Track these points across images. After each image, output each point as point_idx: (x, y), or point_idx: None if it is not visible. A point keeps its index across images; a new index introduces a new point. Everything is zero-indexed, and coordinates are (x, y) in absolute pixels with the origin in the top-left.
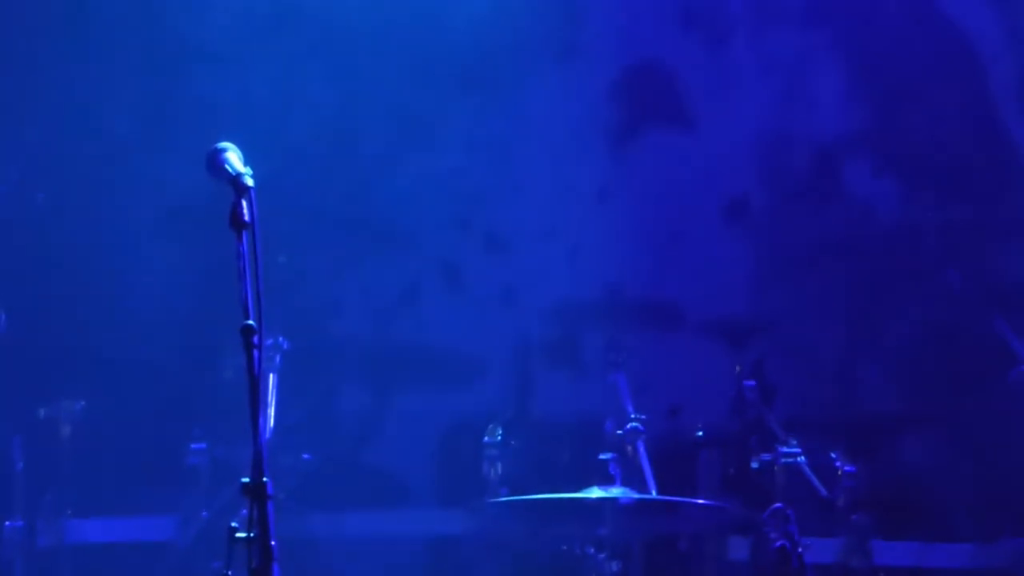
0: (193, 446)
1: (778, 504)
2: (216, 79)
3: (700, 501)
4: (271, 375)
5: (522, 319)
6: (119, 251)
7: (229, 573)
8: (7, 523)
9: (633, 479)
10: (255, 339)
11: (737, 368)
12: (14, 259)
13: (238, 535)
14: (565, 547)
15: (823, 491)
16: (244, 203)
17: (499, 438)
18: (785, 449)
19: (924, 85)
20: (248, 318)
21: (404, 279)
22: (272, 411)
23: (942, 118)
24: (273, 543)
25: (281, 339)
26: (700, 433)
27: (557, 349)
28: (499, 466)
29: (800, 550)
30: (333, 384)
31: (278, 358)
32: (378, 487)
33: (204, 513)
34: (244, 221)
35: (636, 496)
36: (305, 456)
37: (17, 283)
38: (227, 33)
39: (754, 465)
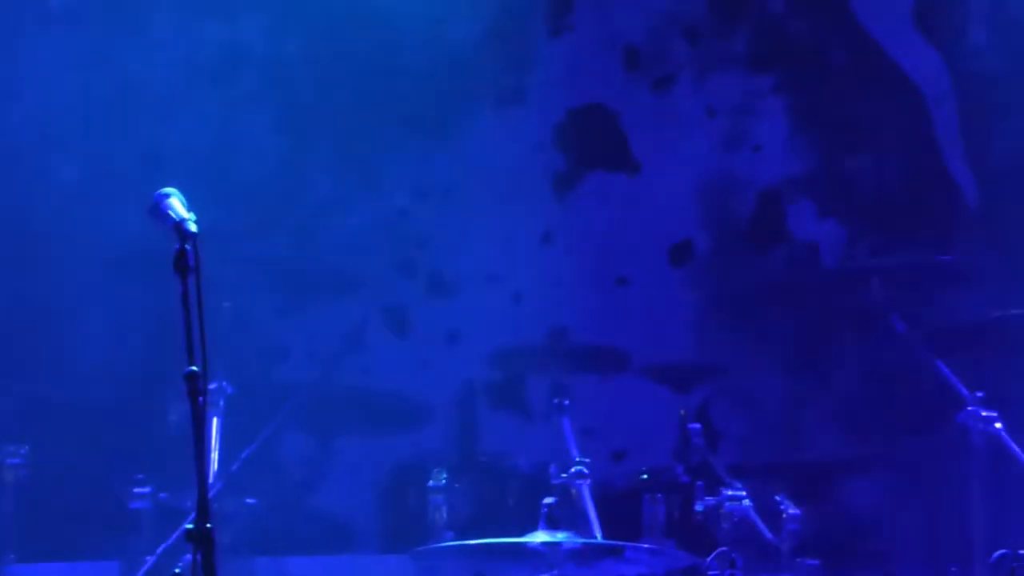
0: (136, 490)
1: (723, 548)
2: (160, 124)
3: (644, 545)
4: (215, 419)
5: (466, 363)
6: (64, 296)
7: None
8: None
9: (577, 523)
10: (199, 385)
11: (682, 412)
12: None
13: None
14: None
15: (768, 535)
16: (188, 248)
17: (444, 482)
18: (730, 493)
19: (868, 128)
20: (192, 364)
21: (348, 323)
22: (216, 455)
23: (886, 161)
24: None
25: (225, 383)
26: (644, 477)
27: (502, 393)
28: (444, 510)
29: None
30: (277, 429)
31: (222, 402)
32: (322, 532)
33: (148, 558)
34: (188, 266)
35: (580, 540)
36: (249, 501)
37: None
38: (171, 77)
39: (699, 508)
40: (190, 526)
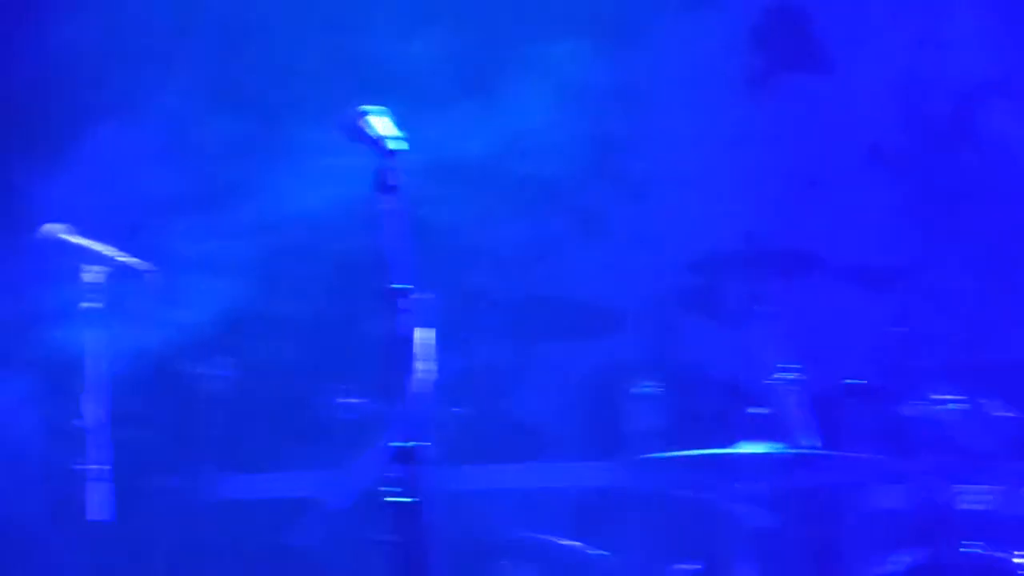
0: (343, 400)
1: (928, 454)
2: (346, 29)
3: (850, 452)
4: (423, 329)
5: (662, 268)
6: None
7: (382, 537)
8: (160, 479)
9: (782, 431)
10: (403, 300)
11: (882, 315)
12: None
13: (390, 499)
14: (713, 499)
15: (974, 438)
16: (389, 167)
17: (646, 390)
18: (935, 397)
19: None
20: (395, 280)
21: (543, 229)
22: (430, 365)
23: None
24: (425, 507)
25: (430, 293)
26: (846, 381)
27: (699, 298)
28: (647, 418)
29: (951, 500)
30: (475, 337)
31: (428, 312)
32: (522, 440)
33: (356, 470)
34: (389, 185)
35: (785, 450)
36: (454, 410)
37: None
38: None
39: (902, 414)
40: (396, 443)
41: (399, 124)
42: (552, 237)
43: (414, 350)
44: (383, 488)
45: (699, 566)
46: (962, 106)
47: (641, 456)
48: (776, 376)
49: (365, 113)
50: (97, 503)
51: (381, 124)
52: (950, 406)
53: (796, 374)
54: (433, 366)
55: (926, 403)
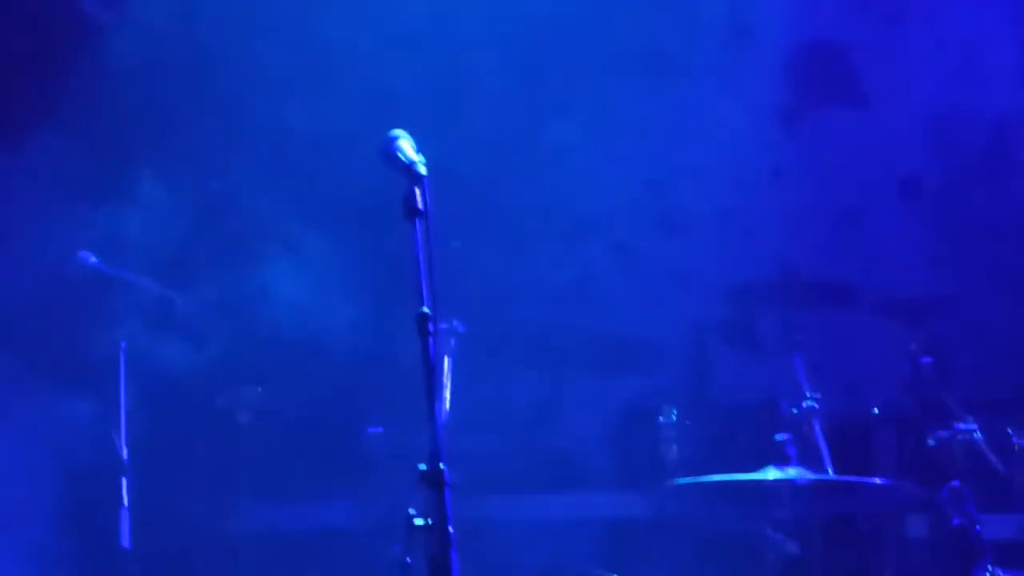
0: (370, 430)
1: (955, 482)
2: (392, 65)
3: (877, 481)
4: (446, 358)
5: (697, 301)
6: (294, 238)
7: (408, 560)
8: (189, 509)
9: (809, 459)
10: (430, 326)
11: (913, 346)
12: (193, 249)
13: (416, 523)
14: (743, 528)
15: (1001, 467)
16: (417, 191)
17: (675, 419)
18: (962, 426)
19: None
20: (423, 305)
21: (578, 263)
22: (448, 394)
23: None
24: (451, 530)
25: (456, 323)
26: (876, 411)
27: (732, 330)
28: (675, 448)
29: (978, 528)
30: (509, 368)
31: (453, 341)
32: (555, 470)
33: (382, 497)
34: (418, 209)
35: (813, 477)
36: (487, 439)
37: (194, 269)
38: (402, 18)
39: (931, 442)
40: (423, 467)
41: (433, 152)
42: (587, 270)
43: (442, 378)
44: (411, 514)
45: None
46: (996, 140)
47: (671, 484)
48: (805, 404)
49: (396, 138)
50: (129, 531)
51: (410, 148)
52: (975, 435)
53: (823, 403)
54: (455, 395)
55: (955, 432)
